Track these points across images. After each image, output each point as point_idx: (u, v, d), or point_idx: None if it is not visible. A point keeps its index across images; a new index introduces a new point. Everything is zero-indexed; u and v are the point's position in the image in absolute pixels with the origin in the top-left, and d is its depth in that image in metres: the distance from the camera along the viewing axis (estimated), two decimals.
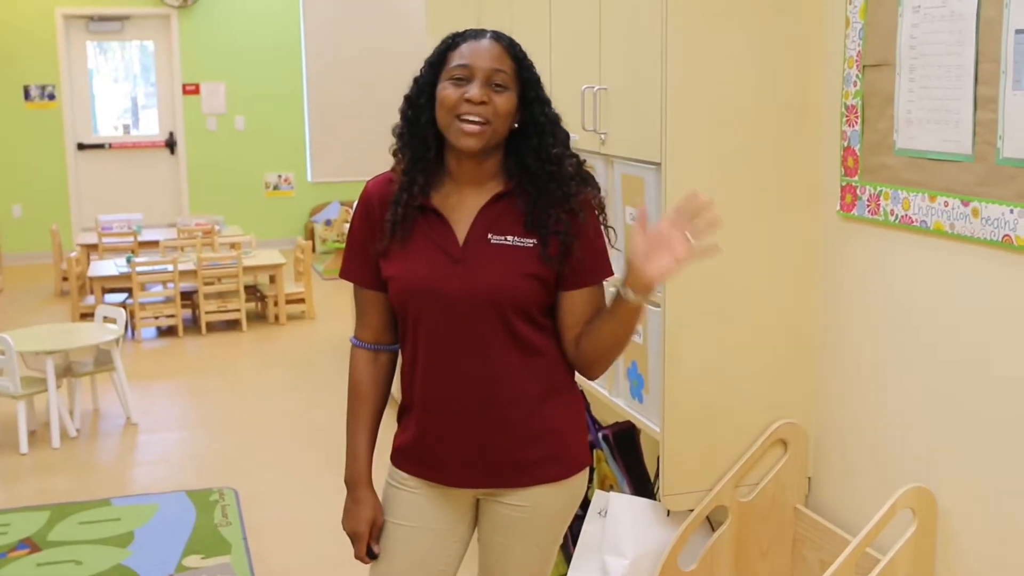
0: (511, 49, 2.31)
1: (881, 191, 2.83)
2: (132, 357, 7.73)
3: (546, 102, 2.37)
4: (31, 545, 4.72)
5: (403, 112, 2.36)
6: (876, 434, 2.94)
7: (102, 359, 6.38)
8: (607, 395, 3.47)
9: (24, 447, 5.86)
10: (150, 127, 12.12)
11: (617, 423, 3.61)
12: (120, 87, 12.14)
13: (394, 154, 2.39)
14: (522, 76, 2.32)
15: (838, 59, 2.96)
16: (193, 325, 8.70)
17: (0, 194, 11.50)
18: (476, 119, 2.24)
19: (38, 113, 11.54)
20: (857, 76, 2.89)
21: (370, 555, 2.50)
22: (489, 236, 2.33)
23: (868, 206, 2.88)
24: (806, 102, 3.04)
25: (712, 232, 2.23)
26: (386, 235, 2.35)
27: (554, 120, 2.37)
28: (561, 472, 2.43)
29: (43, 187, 11.60)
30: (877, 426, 2.94)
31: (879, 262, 2.88)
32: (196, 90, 11.93)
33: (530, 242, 2.32)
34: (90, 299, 8.67)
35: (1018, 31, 2.38)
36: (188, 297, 8.70)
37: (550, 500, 2.44)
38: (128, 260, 8.47)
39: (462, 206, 2.35)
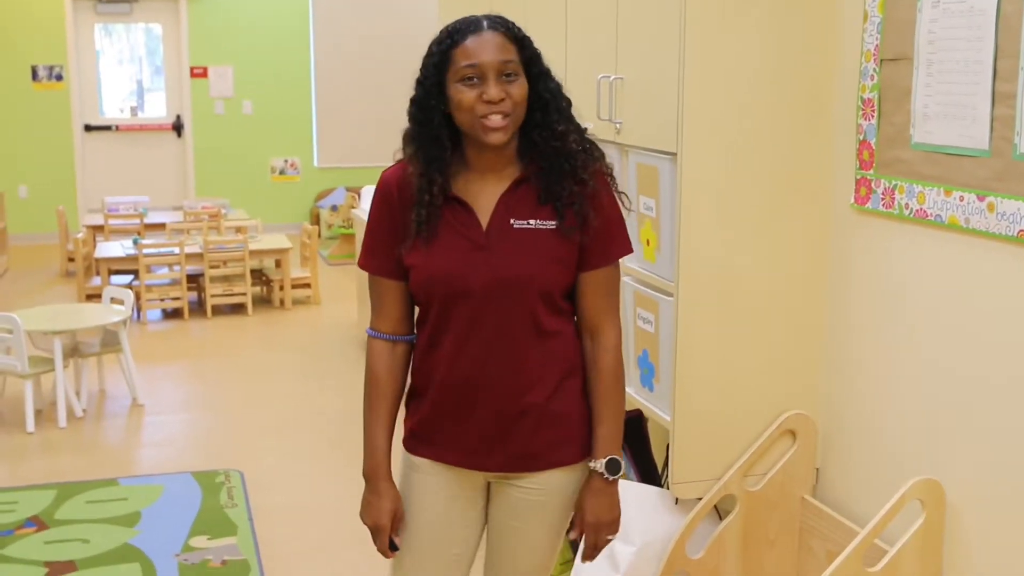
0: (511, 33, 2.31)
1: (896, 185, 2.84)
2: (138, 339, 7.75)
3: (548, 75, 2.37)
4: (38, 523, 4.74)
5: (412, 115, 2.36)
6: (884, 426, 2.96)
7: (109, 340, 6.40)
8: None
9: (31, 426, 5.88)
10: (157, 110, 12.12)
11: (625, 411, 3.62)
12: (125, 69, 12.14)
13: (409, 160, 2.37)
14: (525, 56, 2.32)
15: (855, 52, 2.97)
16: (198, 308, 8.72)
17: (7, 174, 11.49)
18: (498, 115, 2.25)
19: (46, 94, 11.55)
20: (875, 70, 2.90)
21: (392, 548, 2.49)
22: (512, 221, 2.34)
23: (883, 199, 2.89)
24: (823, 95, 3.05)
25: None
26: (412, 234, 2.34)
27: (556, 93, 2.36)
28: (576, 455, 2.45)
29: (50, 168, 11.60)
30: (885, 418, 2.95)
31: (892, 255, 2.89)
32: (204, 73, 11.93)
33: (551, 224, 2.33)
34: (96, 280, 8.69)
35: None
36: (194, 280, 8.72)
37: (564, 483, 2.46)
38: (135, 242, 8.49)
39: (484, 193, 2.36)
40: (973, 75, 2.57)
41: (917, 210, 2.77)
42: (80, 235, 9.12)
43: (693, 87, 2.94)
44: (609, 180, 2.41)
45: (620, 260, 2.45)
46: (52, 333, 5.98)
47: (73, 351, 6.27)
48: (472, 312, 2.35)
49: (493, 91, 2.24)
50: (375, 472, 2.48)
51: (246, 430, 6.00)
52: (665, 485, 3.35)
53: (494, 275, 2.32)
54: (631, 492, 3.25)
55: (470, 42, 2.26)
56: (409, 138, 2.36)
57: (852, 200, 3.01)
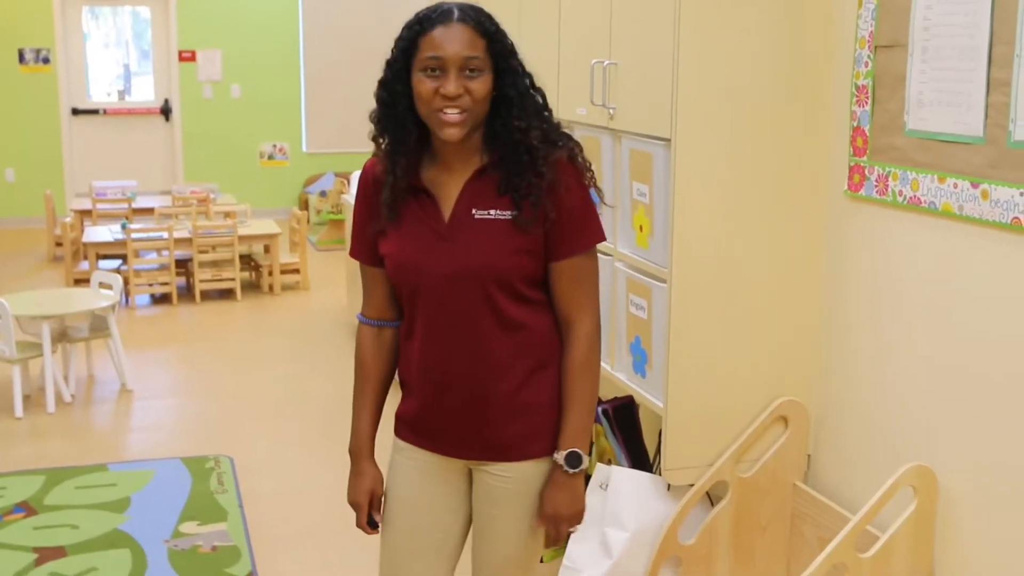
0: (481, 27, 2.27)
1: (890, 172, 2.84)
2: (126, 324, 7.72)
3: (517, 71, 2.33)
4: (27, 508, 4.73)
5: (379, 97, 2.35)
6: (876, 413, 2.97)
7: (97, 325, 6.38)
8: (608, 370, 3.48)
9: (19, 411, 5.86)
10: (145, 94, 12.07)
11: (616, 398, 3.62)
12: (112, 53, 12.07)
13: (374, 139, 2.38)
14: (494, 50, 2.29)
15: (850, 39, 2.97)
16: (187, 293, 8.69)
17: None
18: (455, 111, 2.24)
19: (33, 77, 11.48)
20: (869, 56, 2.90)
21: (371, 524, 2.56)
22: (473, 212, 2.34)
23: (876, 186, 2.90)
24: (817, 81, 3.05)
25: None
26: (383, 217, 2.38)
27: (522, 90, 2.33)
28: (547, 448, 2.43)
29: (37, 152, 11.55)
30: (878, 405, 2.96)
31: (885, 242, 2.90)
32: (192, 57, 11.87)
33: (509, 214, 2.32)
34: (84, 265, 8.66)
35: None
36: (182, 265, 8.69)
37: (535, 475, 2.44)
38: (123, 227, 8.45)
39: (448, 183, 2.37)
40: (968, 62, 2.57)
41: (911, 197, 2.77)
42: (68, 219, 9.08)
43: (688, 73, 2.94)
44: (578, 171, 2.37)
45: (604, 246, 2.43)
46: (40, 318, 5.95)
47: (61, 336, 6.24)
48: (436, 302, 2.37)
49: (451, 86, 2.23)
50: (358, 452, 2.55)
51: (236, 415, 5.99)
52: (657, 471, 3.35)
53: (454, 265, 2.34)
54: (624, 478, 3.25)
55: (437, 32, 2.24)
56: (375, 120, 2.36)
57: (846, 187, 3.01)
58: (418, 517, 2.54)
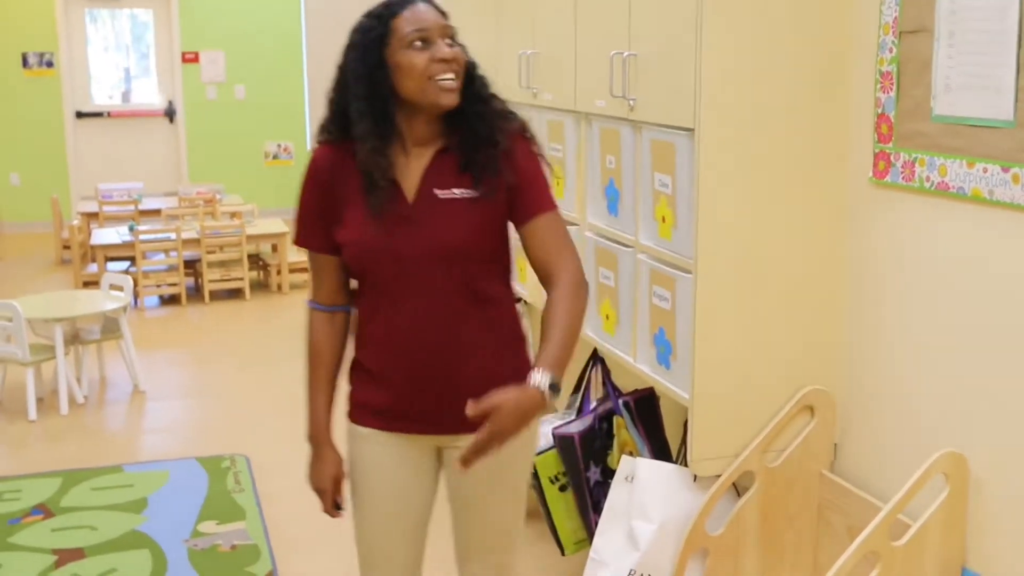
0: (439, 8, 2.39)
1: (916, 158, 2.82)
2: (136, 325, 7.70)
3: (467, 52, 2.43)
4: (45, 511, 4.72)
5: (359, 95, 2.37)
6: (904, 401, 2.94)
7: (109, 327, 6.36)
8: (631, 361, 3.46)
9: (33, 414, 5.85)
10: (148, 96, 12.04)
11: (637, 390, 3.60)
12: (113, 56, 12.04)
13: (363, 137, 2.38)
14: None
15: (874, 25, 2.94)
16: (196, 294, 8.68)
17: None
18: (451, 75, 2.33)
19: (36, 81, 11.47)
20: (893, 42, 2.87)
21: (337, 508, 2.62)
22: (436, 192, 2.41)
23: (903, 173, 2.87)
24: (840, 69, 3.02)
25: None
26: (381, 213, 2.39)
27: (476, 69, 2.45)
28: None
29: (41, 155, 11.53)
30: (905, 393, 2.94)
31: (912, 229, 2.87)
32: (195, 59, 11.86)
33: (472, 192, 2.41)
34: (92, 267, 8.64)
35: None
36: (191, 266, 8.67)
37: (514, 442, 2.36)
38: (131, 228, 8.43)
39: (409, 167, 2.43)
40: (997, 45, 2.54)
41: (939, 183, 2.75)
42: (75, 222, 9.06)
43: (710, 62, 2.91)
44: (531, 142, 2.48)
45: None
46: (52, 320, 5.94)
47: (73, 338, 6.23)
48: (405, 284, 2.42)
49: (447, 50, 2.33)
50: (317, 437, 2.59)
51: (249, 415, 5.97)
52: (681, 463, 3.33)
53: (423, 246, 2.40)
54: (650, 470, 3.23)
55: (410, 12, 2.34)
56: (359, 114, 2.37)
57: (871, 174, 2.99)
58: (391, 501, 2.59)
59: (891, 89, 2.89)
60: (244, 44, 11.89)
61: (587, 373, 3.84)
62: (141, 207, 9.55)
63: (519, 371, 2.37)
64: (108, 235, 8.61)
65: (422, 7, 2.36)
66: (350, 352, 2.61)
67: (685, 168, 3.06)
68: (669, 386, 3.25)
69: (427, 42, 2.32)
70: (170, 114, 11.94)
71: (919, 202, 2.83)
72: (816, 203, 3.07)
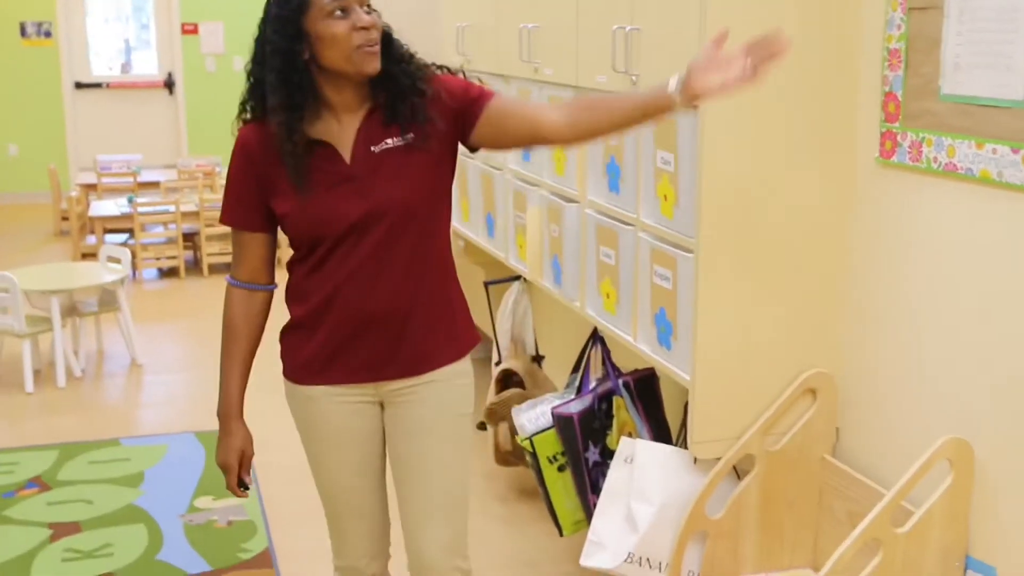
0: None
1: (924, 138, 2.76)
2: (134, 298, 7.65)
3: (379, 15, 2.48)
4: (40, 484, 4.68)
5: (274, 67, 2.39)
6: (907, 386, 2.89)
7: (106, 299, 6.31)
8: (631, 341, 3.41)
9: (30, 386, 5.81)
10: (148, 67, 11.95)
11: (637, 370, 3.55)
12: (113, 27, 11.94)
13: (272, 111, 2.41)
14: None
15: (881, 1, 2.87)
16: (195, 266, 8.63)
17: None
18: (373, 42, 2.38)
19: (34, 50, 11.37)
20: (902, 19, 2.80)
21: (241, 486, 2.66)
22: (372, 148, 2.47)
23: (909, 153, 2.81)
24: (847, 45, 2.96)
25: (773, 67, 2.32)
26: (279, 185, 2.46)
27: (392, 30, 2.51)
28: (458, 352, 2.65)
29: (39, 126, 11.45)
30: (908, 378, 2.89)
31: (919, 210, 2.81)
32: (195, 30, 11.75)
33: (403, 139, 2.48)
34: (91, 239, 8.58)
35: None
36: (189, 238, 8.61)
37: (450, 378, 2.63)
38: (130, 200, 8.37)
39: (343, 130, 2.47)
40: (1009, 23, 2.47)
41: (947, 164, 2.69)
42: (74, 194, 8.99)
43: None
44: (449, 75, 2.57)
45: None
46: (49, 292, 5.89)
47: (71, 311, 6.18)
48: (351, 242, 2.46)
49: (366, 17, 2.37)
50: (227, 413, 2.65)
51: (248, 389, 5.91)
52: (680, 445, 3.28)
53: (366, 202, 2.45)
54: (649, 452, 3.19)
55: None
56: (274, 87, 2.39)
57: (877, 154, 2.93)
58: (349, 451, 2.68)
59: (899, 67, 2.83)
60: (243, 16, 11.74)
61: (587, 352, 3.79)
62: (140, 179, 9.48)
63: (453, 310, 2.64)
64: (107, 207, 8.55)
65: None
66: (282, 319, 2.65)
67: (688, 145, 2.99)
68: (670, 367, 3.19)
69: (346, 11, 2.35)
70: (169, 85, 11.85)
71: (927, 183, 2.78)
72: (820, 183, 3.01)
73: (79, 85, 11.64)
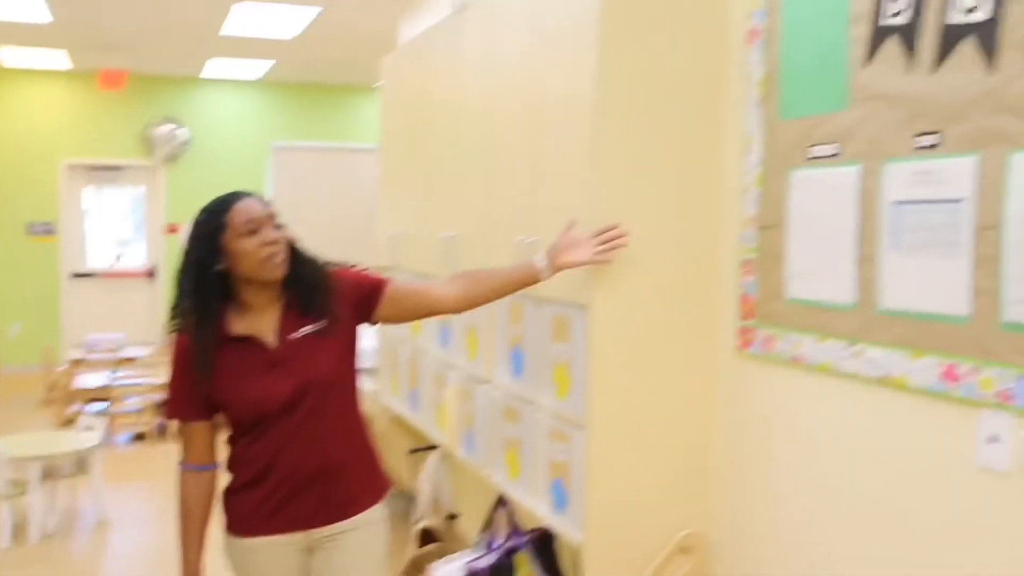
0: (262, 200, 2.47)
1: (774, 333, 2.73)
2: (109, 459, 7.31)
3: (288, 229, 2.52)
4: None
5: (189, 278, 2.40)
6: (769, 543, 2.79)
7: (82, 463, 6.00)
8: (532, 505, 3.27)
9: (6, 541, 5.44)
10: (136, 259, 11.79)
11: (535, 529, 3.41)
12: (108, 225, 11.81)
13: (185, 315, 2.41)
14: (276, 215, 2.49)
15: (738, 220, 2.89)
16: (162, 433, 8.31)
17: (1, 314, 11.04)
18: (277, 254, 2.40)
19: (39, 246, 11.17)
20: (754, 235, 2.81)
21: None
22: (292, 336, 2.46)
23: (763, 345, 2.78)
24: (711, 256, 2.96)
25: (616, 253, 2.74)
26: (208, 374, 2.41)
27: (298, 239, 2.53)
28: (378, 495, 2.62)
29: (39, 309, 11.16)
30: (769, 536, 2.79)
31: (772, 394, 2.77)
32: (176, 229, 11.66)
33: (318, 327, 2.47)
34: (75, 407, 8.25)
35: (893, 202, 2.33)
36: (161, 406, 8.32)
37: (370, 524, 2.59)
38: (111, 375, 8.10)
39: (263, 324, 2.46)
40: (840, 241, 2.49)
41: (794, 355, 2.66)
42: (63, 368, 8.71)
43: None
44: (345, 271, 2.60)
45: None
46: (30, 459, 5.58)
47: (49, 473, 5.86)
48: (284, 418, 2.43)
49: (273, 233, 2.40)
50: None
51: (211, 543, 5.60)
52: None
53: (291, 382, 2.43)
54: None
55: (240, 205, 2.40)
56: (188, 296, 2.40)
57: (736, 346, 2.89)
58: None
59: (753, 274, 2.82)
60: None
61: (494, 514, 3.64)
62: (122, 355, 9.21)
63: (370, 460, 2.61)
64: (90, 379, 8.26)
65: (251, 202, 2.41)
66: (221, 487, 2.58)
67: (580, 339, 2.94)
68: (564, 529, 3.06)
69: (256, 231, 2.38)
70: (151, 274, 11.67)
71: (777, 371, 2.74)
72: (691, 371, 2.97)
73: (75, 275, 11.42)
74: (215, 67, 10.38)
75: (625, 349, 2.88)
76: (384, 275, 2.68)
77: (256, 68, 10.09)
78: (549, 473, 3.14)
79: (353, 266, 2.67)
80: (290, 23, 7.00)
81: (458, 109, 3.89)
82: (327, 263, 2.59)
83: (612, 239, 2.73)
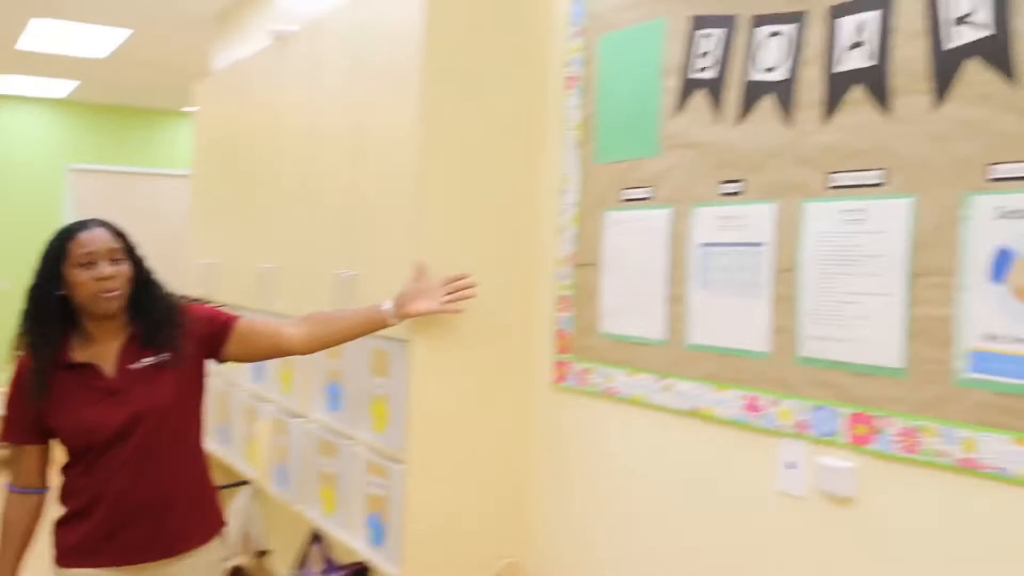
0: (113, 230, 2.45)
1: (589, 367, 2.81)
2: None
3: (144, 262, 2.51)
4: None
5: (34, 300, 2.39)
6: (587, 571, 2.85)
7: None
8: (348, 540, 3.22)
9: None
10: None
11: (352, 564, 3.36)
12: None
13: (24, 334, 2.40)
14: (127, 246, 2.47)
15: (554, 259, 2.96)
16: None
17: None
18: (111, 289, 2.37)
19: None
20: (570, 272, 2.89)
21: None
22: (130, 366, 2.43)
23: (578, 379, 2.85)
24: (529, 293, 3.02)
25: (464, 304, 2.77)
26: (42, 397, 2.38)
27: (152, 274, 2.53)
28: (209, 534, 2.59)
29: None
30: (588, 563, 2.85)
31: (588, 425, 2.84)
32: None
33: (159, 359, 2.46)
34: None
35: (701, 244, 2.45)
36: None
37: (206, 560, 2.56)
38: None
39: (104, 353, 2.44)
40: (651, 280, 2.59)
41: (608, 388, 2.74)
42: None
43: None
44: (193, 306, 2.60)
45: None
46: None
47: None
48: (118, 447, 2.40)
49: (106, 270, 2.37)
50: None
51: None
52: None
53: (126, 412, 2.40)
54: None
55: (83, 235, 2.38)
56: (32, 319, 2.39)
57: (553, 379, 2.96)
58: None
59: (569, 310, 2.90)
60: None
61: (308, 550, 3.56)
62: None
63: (206, 495, 2.59)
64: None
65: (96, 232, 2.40)
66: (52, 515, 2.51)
67: (399, 373, 2.93)
68: (382, 562, 3.02)
69: (91, 264, 2.36)
70: None
71: (593, 404, 2.82)
72: (509, 404, 3.01)
73: None
74: (10, 84, 9.79)
75: (444, 383, 2.89)
76: (236, 313, 2.68)
77: (59, 87, 9.58)
78: (366, 507, 3.10)
79: (207, 302, 2.61)
80: (97, 43, 6.70)
81: (278, 140, 3.83)
82: (178, 297, 2.58)
83: (460, 288, 2.74)
